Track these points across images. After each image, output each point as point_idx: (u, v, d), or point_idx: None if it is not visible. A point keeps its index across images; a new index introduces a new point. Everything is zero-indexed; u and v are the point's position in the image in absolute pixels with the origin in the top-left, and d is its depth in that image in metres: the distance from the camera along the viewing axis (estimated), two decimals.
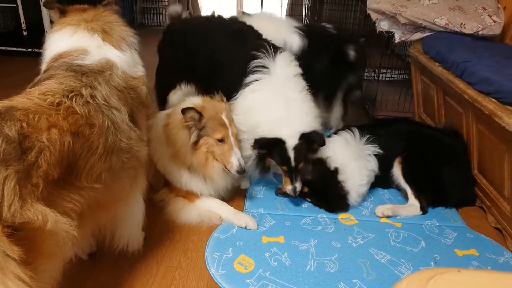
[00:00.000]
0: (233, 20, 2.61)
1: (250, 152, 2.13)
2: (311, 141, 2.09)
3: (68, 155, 1.16)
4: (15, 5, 4.58)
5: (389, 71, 4.06)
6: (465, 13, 2.89)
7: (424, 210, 2.25)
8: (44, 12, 4.33)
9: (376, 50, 3.88)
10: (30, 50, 4.51)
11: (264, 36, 2.38)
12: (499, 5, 2.96)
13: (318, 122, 2.19)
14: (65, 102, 1.23)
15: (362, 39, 3.13)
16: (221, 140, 1.94)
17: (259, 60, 2.15)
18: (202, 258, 1.84)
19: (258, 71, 2.13)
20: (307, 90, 2.20)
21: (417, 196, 2.27)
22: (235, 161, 1.94)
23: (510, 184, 2.04)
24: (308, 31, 2.89)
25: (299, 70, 2.24)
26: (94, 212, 1.32)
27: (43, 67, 1.52)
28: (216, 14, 2.94)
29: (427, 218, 2.23)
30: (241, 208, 2.21)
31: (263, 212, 2.20)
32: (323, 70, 2.82)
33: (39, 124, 1.12)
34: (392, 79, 4.17)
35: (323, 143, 2.13)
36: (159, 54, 2.82)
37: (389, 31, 3.10)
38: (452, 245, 2.03)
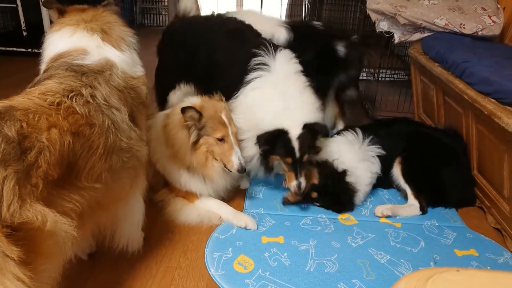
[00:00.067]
0: (231, 19, 2.61)
1: (250, 152, 2.12)
2: (314, 132, 2.07)
3: (68, 155, 1.16)
4: (14, 5, 4.59)
5: (388, 71, 4.06)
6: (465, 13, 2.89)
7: (423, 210, 2.25)
8: (44, 12, 4.33)
9: (375, 51, 3.89)
10: (29, 50, 4.51)
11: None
12: (499, 6, 2.97)
13: (321, 115, 2.18)
14: (65, 102, 1.24)
15: (355, 36, 3.10)
16: (221, 139, 1.94)
17: (259, 58, 2.15)
18: (202, 259, 1.84)
19: (259, 68, 2.13)
20: (309, 84, 2.19)
21: (417, 196, 2.27)
22: (235, 160, 1.94)
23: (509, 185, 2.04)
24: (294, 26, 2.94)
25: (299, 67, 2.24)
26: (94, 212, 1.32)
27: (43, 67, 1.53)
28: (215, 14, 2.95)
29: (426, 218, 2.23)
30: (240, 208, 2.21)
31: (262, 212, 2.20)
32: (308, 62, 2.83)
33: (39, 124, 1.12)
34: (391, 79, 4.17)
35: (327, 134, 2.13)
36: (159, 54, 2.82)
37: (388, 31, 3.11)
38: (451, 245, 2.03)
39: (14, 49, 4.65)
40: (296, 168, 2.08)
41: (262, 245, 1.94)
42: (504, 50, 2.70)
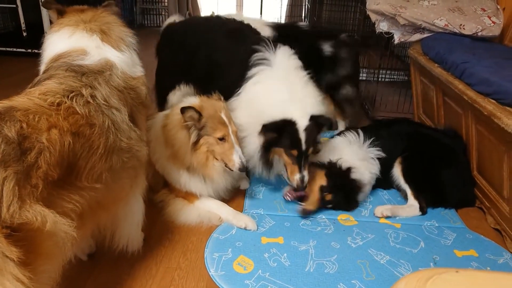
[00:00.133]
0: (231, 19, 2.61)
1: (251, 149, 2.11)
2: (320, 124, 2.05)
3: (68, 155, 1.16)
4: (14, 5, 4.59)
5: (388, 72, 4.06)
6: (465, 14, 2.89)
7: (423, 210, 2.25)
8: (44, 12, 4.33)
9: (375, 51, 3.89)
10: (29, 50, 4.51)
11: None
12: (498, 6, 2.97)
13: (323, 107, 2.16)
14: (66, 102, 1.24)
15: (343, 34, 3.09)
16: (222, 139, 1.94)
17: (260, 54, 2.15)
18: (202, 259, 1.84)
19: (260, 63, 2.13)
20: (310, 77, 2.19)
21: (417, 196, 2.27)
22: (236, 158, 1.94)
23: (509, 185, 2.04)
24: (278, 26, 3.03)
25: (299, 62, 2.24)
26: (94, 212, 1.32)
27: (42, 67, 1.53)
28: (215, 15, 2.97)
29: (426, 219, 2.23)
30: (240, 209, 2.21)
31: (262, 213, 2.20)
32: None
33: (39, 124, 1.12)
34: (391, 80, 4.17)
35: (331, 127, 2.12)
36: (158, 55, 2.83)
37: (388, 32, 3.11)
38: (451, 245, 2.03)
39: (14, 49, 4.65)
40: (300, 161, 2.02)
41: (262, 246, 1.94)
42: (504, 50, 2.70)
